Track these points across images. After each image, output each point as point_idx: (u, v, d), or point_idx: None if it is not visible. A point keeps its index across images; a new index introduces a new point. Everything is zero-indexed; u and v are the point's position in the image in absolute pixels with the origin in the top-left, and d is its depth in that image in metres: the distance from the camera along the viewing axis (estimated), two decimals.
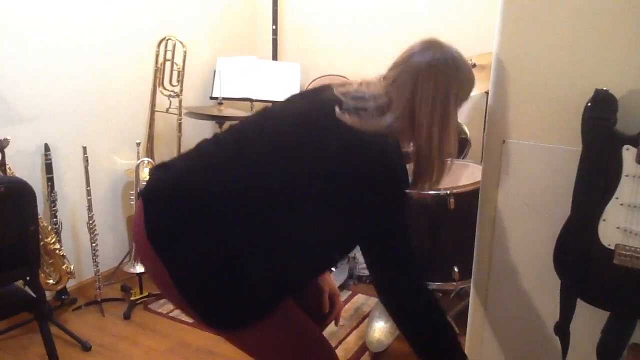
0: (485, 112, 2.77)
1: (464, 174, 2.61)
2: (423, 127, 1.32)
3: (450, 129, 1.33)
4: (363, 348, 2.52)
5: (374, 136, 1.29)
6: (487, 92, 2.79)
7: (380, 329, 2.50)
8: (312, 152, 1.32)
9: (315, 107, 1.41)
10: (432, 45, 1.39)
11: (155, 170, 1.49)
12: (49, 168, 2.70)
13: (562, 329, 1.46)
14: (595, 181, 1.33)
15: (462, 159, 2.86)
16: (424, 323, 1.37)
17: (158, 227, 1.34)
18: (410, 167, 1.40)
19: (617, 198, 1.30)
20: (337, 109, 1.31)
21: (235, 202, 1.31)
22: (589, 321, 1.45)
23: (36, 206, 1.78)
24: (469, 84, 1.41)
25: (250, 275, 1.29)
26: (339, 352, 2.49)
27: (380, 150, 1.29)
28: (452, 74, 1.36)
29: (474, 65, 2.83)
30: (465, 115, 3.20)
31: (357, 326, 2.70)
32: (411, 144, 1.39)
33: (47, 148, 2.69)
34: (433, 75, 1.33)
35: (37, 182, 2.69)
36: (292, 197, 1.30)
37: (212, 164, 1.41)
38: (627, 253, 1.31)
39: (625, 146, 1.28)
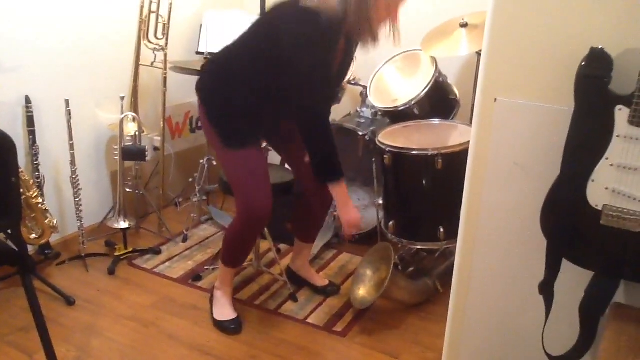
0: (476, 72, 2.74)
1: (452, 135, 2.59)
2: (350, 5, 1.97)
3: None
4: (347, 305, 2.54)
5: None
6: (478, 53, 2.76)
7: (364, 287, 2.52)
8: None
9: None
10: None
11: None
12: (30, 121, 2.64)
13: (547, 288, 1.47)
14: (586, 141, 1.32)
15: (451, 119, 2.84)
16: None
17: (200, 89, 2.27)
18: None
19: (607, 159, 1.29)
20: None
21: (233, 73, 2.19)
22: (573, 281, 1.46)
23: (16, 157, 1.74)
24: None
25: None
26: (323, 308, 2.51)
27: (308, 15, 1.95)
28: None
29: (466, 25, 2.79)
30: (455, 75, 3.17)
31: (342, 284, 2.72)
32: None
33: (28, 100, 2.63)
34: None
35: (18, 135, 2.64)
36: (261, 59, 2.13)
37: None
38: (614, 214, 1.30)
39: (618, 106, 1.26)
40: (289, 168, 2.63)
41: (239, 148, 2.19)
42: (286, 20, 2.05)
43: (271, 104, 2.19)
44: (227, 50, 2.24)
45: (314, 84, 2.08)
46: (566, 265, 1.42)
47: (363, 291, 2.51)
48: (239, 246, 2.34)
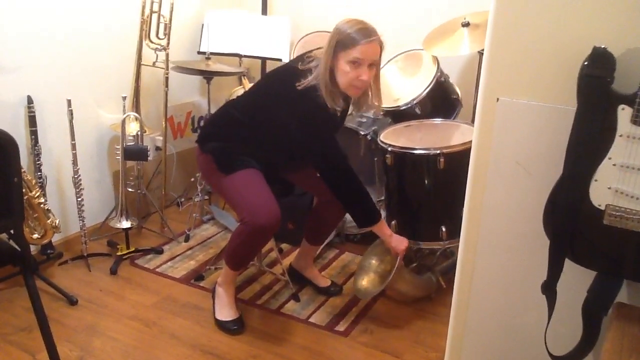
0: (478, 72, 2.74)
1: (454, 134, 2.59)
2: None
3: (325, 70, 2.12)
4: (349, 305, 2.54)
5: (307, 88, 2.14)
6: (480, 52, 2.76)
7: (368, 277, 2.49)
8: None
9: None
10: None
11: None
12: (32, 121, 2.64)
13: (549, 288, 1.46)
14: (589, 141, 1.32)
15: (453, 119, 2.84)
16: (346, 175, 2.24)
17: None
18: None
19: (610, 158, 1.29)
20: (296, 84, 2.14)
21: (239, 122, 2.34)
22: (576, 280, 1.45)
23: (19, 157, 1.74)
24: (341, 33, 2.10)
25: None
26: (325, 308, 2.52)
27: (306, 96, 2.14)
28: (332, 34, 2.13)
29: (468, 24, 2.78)
30: (457, 75, 3.17)
31: (343, 284, 2.71)
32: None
33: (30, 100, 2.63)
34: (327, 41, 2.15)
35: (20, 135, 2.64)
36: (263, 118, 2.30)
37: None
38: (617, 213, 1.30)
39: (621, 106, 1.26)
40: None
41: (237, 170, 2.25)
42: (286, 98, 2.22)
43: (269, 153, 2.32)
44: (225, 109, 2.43)
45: (323, 142, 2.23)
46: (569, 265, 1.41)
47: (366, 282, 2.49)
48: (244, 252, 2.34)
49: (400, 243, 2.33)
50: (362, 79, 2.12)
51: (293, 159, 2.43)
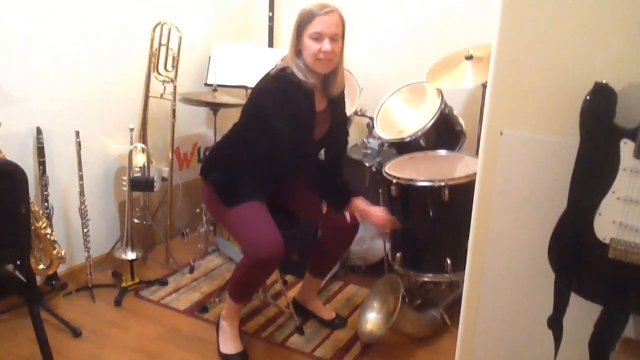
0: (482, 104, 2.76)
1: (458, 166, 2.60)
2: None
3: (292, 50, 2.22)
4: (354, 338, 2.52)
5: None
6: (483, 85, 2.79)
7: (372, 320, 2.50)
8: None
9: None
10: None
11: None
12: (40, 152, 2.67)
13: (556, 323, 1.45)
14: (592, 175, 1.33)
15: (457, 150, 2.85)
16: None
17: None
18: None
19: (613, 192, 1.30)
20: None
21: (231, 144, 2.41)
22: (582, 315, 1.44)
23: (27, 189, 1.76)
24: (302, 13, 2.19)
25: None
26: (329, 342, 2.49)
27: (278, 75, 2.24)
28: (295, 18, 2.21)
29: (471, 57, 2.81)
30: (461, 107, 3.19)
31: (348, 316, 2.70)
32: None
33: (39, 131, 2.66)
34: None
35: (28, 166, 2.66)
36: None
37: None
38: (622, 247, 1.30)
39: (624, 140, 1.27)
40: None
41: (240, 203, 2.26)
42: (262, 87, 2.29)
43: (265, 165, 2.34)
44: (225, 136, 2.48)
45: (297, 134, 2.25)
46: (575, 299, 1.41)
47: (371, 325, 2.49)
48: (247, 285, 2.33)
49: (384, 219, 2.36)
50: (325, 50, 2.14)
51: (287, 167, 2.41)
